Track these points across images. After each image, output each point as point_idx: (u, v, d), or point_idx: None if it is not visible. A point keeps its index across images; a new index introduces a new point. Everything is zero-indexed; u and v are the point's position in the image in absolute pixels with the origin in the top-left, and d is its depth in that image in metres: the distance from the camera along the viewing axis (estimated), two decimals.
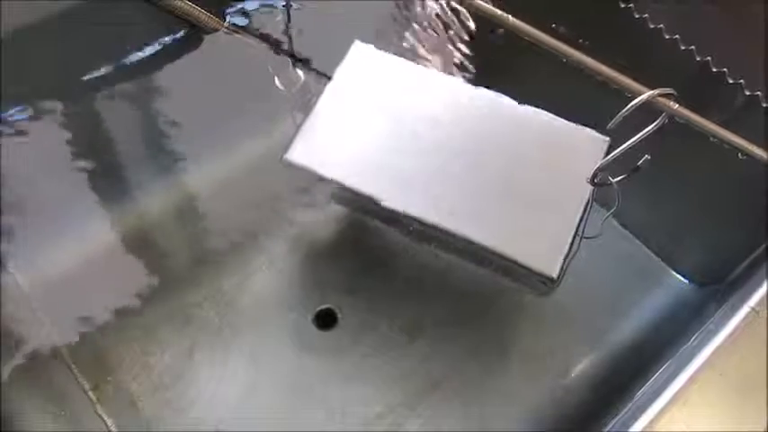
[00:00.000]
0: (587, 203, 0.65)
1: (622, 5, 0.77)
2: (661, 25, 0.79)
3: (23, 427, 0.69)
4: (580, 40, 0.61)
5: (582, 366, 0.76)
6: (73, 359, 0.73)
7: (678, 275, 0.82)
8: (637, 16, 0.78)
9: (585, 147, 0.67)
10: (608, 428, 0.50)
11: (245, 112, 0.84)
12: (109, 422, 0.70)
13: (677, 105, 0.50)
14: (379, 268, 0.80)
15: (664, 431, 0.41)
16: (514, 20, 0.55)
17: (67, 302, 0.76)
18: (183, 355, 0.74)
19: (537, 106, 0.70)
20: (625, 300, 0.80)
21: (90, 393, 0.71)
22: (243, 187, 0.83)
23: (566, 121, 0.69)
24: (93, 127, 0.85)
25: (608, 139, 0.67)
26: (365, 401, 0.74)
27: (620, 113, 0.49)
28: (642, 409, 0.43)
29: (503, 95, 0.71)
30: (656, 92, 0.49)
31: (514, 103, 0.70)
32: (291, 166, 0.67)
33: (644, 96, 0.49)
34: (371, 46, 0.72)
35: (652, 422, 0.42)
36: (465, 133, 0.69)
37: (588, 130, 0.68)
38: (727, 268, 0.76)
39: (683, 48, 0.78)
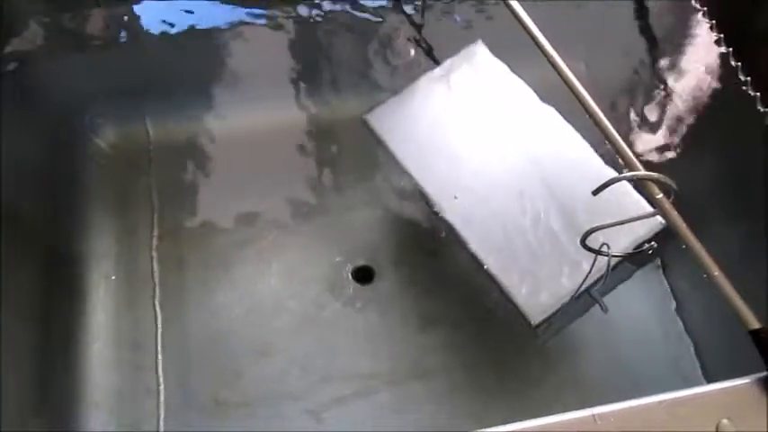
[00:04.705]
0: (604, 273, 0.63)
1: (761, 109, 0.72)
2: None
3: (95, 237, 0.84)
4: None
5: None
6: (159, 202, 0.86)
7: None
8: None
9: (638, 222, 0.65)
10: None
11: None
12: (154, 269, 0.83)
13: (659, 195, 0.48)
14: (428, 256, 0.83)
15: None
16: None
17: (180, 162, 0.89)
18: (235, 247, 0.85)
19: None
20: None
21: (155, 238, 0.84)
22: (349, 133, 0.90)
23: (636, 194, 0.67)
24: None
25: (663, 222, 0.64)
26: (356, 358, 0.79)
27: (603, 184, 0.49)
28: None
29: (589, 146, 0.70)
30: (651, 175, 0.48)
31: (593, 153, 0.70)
32: (366, 127, 0.73)
33: (630, 174, 0.48)
34: (489, 52, 0.75)
35: None
36: (534, 164, 0.70)
37: (650, 208, 0.66)
38: None
39: None
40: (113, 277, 0.82)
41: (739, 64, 0.76)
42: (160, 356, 0.78)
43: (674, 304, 0.81)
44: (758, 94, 0.73)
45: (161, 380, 0.77)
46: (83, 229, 0.83)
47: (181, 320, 0.80)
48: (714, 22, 0.80)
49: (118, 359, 0.78)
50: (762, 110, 0.73)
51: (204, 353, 0.79)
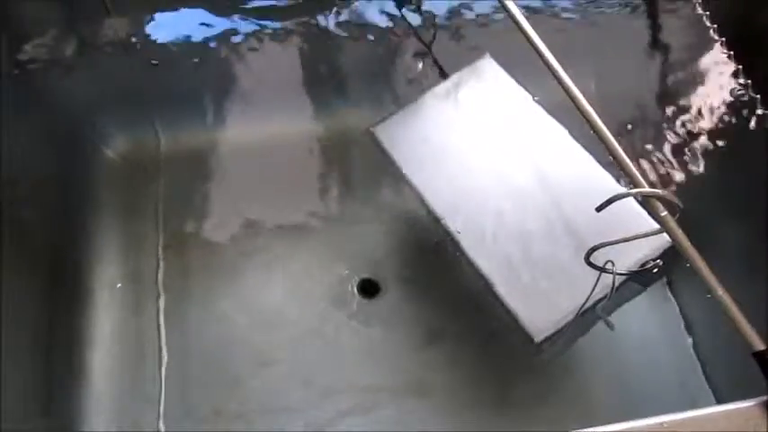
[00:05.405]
0: (609, 292, 0.62)
1: None
2: None
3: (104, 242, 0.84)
4: None
5: None
6: (166, 210, 0.87)
7: None
8: None
9: (645, 239, 0.64)
10: None
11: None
12: (159, 277, 0.83)
13: (664, 212, 0.48)
14: (432, 271, 0.83)
15: None
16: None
17: (188, 172, 0.90)
18: (241, 257, 0.85)
19: None
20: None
21: (161, 247, 0.85)
22: (356, 146, 0.90)
23: (643, 211, 0.66)
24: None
25: (670, 241, 0.63)
26: (359, 372, 0.78)
27: (606, 200, 0.48)
28: None
29: (598, 163, 0.70)
30: (656, 192, 0.47)
31: (601, 169, 0.69)
32: (373, 140, 0.72)
33: (634, 191, 0.47)
34: (499, 66, 0.74)
35: None
36: (541, 180, 0.69)
37: (657, 225, 0.65)
38: None
39: None
40: (119, 285, 0.82)
41: (749, 81, 0.76)
42: (162, 365, 0.78)
43: (681, 322, 0.80)
44: None
45: (162, 388, 0.77)
46: (89, 237, 0.84)
47: (184, 329, 0.81)
48: (724, 39, 0.80)
49: (120, 366, 0.78)
50: None
51: (206, 362, 0.79)
